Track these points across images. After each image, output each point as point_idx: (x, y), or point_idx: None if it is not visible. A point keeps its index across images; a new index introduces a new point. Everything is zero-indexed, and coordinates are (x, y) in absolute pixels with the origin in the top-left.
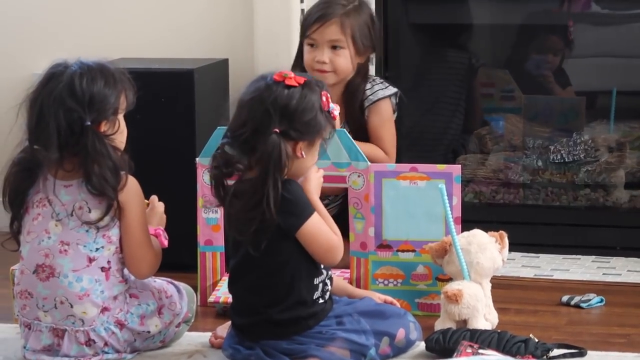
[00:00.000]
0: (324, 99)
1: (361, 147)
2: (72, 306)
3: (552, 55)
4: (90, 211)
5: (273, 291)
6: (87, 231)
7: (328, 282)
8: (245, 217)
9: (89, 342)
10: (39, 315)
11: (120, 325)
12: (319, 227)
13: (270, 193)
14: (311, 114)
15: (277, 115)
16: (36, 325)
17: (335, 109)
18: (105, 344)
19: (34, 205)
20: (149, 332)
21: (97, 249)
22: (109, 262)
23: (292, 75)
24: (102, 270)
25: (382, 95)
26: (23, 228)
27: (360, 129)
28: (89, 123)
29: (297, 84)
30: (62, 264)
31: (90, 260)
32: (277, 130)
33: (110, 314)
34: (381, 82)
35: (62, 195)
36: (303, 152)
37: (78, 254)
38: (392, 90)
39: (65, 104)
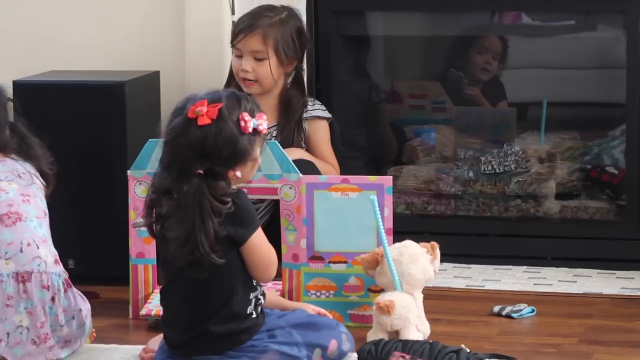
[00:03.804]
0: (242, 123)
1: (318, 165)
2: (38, 247)
3: (484, 66)
4: (33, 177)
5: (209, 303)
6: (38, 190)
7: (261, 297)
8: (180, 258)
9: (48, 287)
10: None
11: (67, 284)
12: (263, 240)
13: (203, 239)
14: (230, 147)
15: (196, 158)
16: None
17: (262, 124)
18: (52, 298)
19: None
20: (80, 309)
21: (46, 208)
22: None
23: (205, 110)
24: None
25: (321, 115)
26: None
27: (292, 139)
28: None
29: (209, 121)
30: (27, 210)
31: (45, 214)
32: (201, 172)
33: (61, 270)
34: (321, 105)
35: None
36: (238, 173)
37: (37, 205)
38: (328, 115)
39: None
